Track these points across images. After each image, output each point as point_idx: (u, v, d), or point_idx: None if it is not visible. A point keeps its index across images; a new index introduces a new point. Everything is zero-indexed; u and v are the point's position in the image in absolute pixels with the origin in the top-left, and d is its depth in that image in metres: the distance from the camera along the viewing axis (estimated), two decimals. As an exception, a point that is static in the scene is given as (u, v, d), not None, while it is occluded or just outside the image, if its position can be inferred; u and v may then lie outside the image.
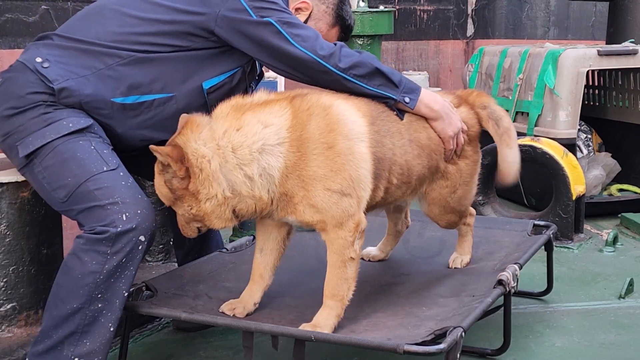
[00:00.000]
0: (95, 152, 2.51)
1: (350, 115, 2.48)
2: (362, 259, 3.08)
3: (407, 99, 2.65)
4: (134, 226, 2.42)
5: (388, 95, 2.62)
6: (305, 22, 2.83)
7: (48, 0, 4.26)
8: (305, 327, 2.38)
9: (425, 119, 2.71)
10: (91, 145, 2.52)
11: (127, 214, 2.41)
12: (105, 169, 2.48)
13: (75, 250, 2.42)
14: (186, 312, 2.50)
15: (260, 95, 2.49)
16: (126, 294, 2.45)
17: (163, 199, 2.45)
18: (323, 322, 2.40)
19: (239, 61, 2.71)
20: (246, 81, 2.81)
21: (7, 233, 2.69)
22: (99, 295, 2.41)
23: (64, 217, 2.90)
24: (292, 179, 2.36)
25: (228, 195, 2.34)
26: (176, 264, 3.43)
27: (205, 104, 2.69)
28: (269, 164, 2.35)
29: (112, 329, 2.44)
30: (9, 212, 2.68)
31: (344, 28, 2.92)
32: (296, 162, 2.36)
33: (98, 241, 2.39)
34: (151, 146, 2.33)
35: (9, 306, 2.72)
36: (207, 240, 3.22)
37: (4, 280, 2.70)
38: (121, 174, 2.51)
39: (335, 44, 2.62)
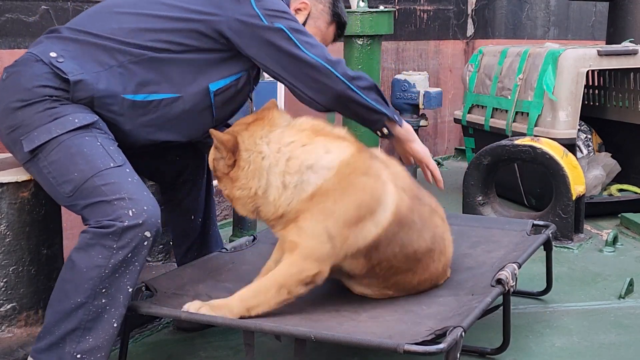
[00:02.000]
0: (102, 148, 2.52)
1: (391, 195, 2.53)
2: None
3: (396, 117, 2.84)
4: (140, 222, 2.42)
5: (382, 110, 2.78)
6: (305, 21, 2.92)
7: (48, 0, 4.26)
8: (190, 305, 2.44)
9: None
10: (97, 141, 2.53)
11: (133, 210, 2.42)
12: (112, 165, 2.50)
13: (81, 245, 2.43)
14: (186, 311, 2.50)
15: (340, 130, 2.60)
16: (131, 290, 2.45)
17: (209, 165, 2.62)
18: (219, 310, 2.42)
19: (245, 65, 2.78)
20: (251, 84, 2.88)
21: (7, 233, 2.69)
22: (103, 290, 2.40)
23: (64, 218, 2.90)
24: (314, 204, 2.43)
25: (259, 194, 2.49)
26: (176, 264, 3.43)
27: (211, 106, 2.75)
28: (308, 180, 2.46)
29: (115, 325, 2.44)
30: (9, 212, 2.68)
31: (339, 25, 3.05)
32: (327, 190, 2.44)
33: (104, 235, 2.40)
34: (211, 130, 2.49)
35: (9, 306, 2.72)
36: (207, 239, 3.23)
37: (4, 280, 2.70)
38: (127, 170, 2.53)
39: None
